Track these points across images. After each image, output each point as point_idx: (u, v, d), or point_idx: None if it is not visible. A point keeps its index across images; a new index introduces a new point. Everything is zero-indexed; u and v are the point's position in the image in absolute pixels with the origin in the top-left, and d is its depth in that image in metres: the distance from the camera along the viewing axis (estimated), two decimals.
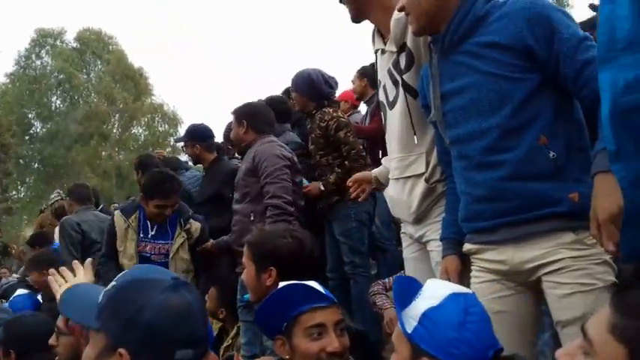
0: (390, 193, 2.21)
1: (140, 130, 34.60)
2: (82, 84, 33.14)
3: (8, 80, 32.33)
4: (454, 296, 1.32)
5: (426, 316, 1.29)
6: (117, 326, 1.15)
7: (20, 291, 4.41)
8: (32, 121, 32.80)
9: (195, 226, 3.72)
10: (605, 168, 1.31)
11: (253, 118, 3.55)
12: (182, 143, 4.59)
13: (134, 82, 33.98)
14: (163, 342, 1.13)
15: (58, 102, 33.42)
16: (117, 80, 33.62)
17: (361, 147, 3.81)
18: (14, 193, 30.76)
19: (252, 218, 3.22)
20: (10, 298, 4.35)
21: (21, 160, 31.16)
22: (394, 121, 2.14)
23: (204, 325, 1.21)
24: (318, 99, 3.86)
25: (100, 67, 34.41)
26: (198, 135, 4.36)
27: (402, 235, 2.30)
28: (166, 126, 34.96)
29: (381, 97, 2.24)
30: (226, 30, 55.29)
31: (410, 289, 1.39)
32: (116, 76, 33.50)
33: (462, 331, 1.26)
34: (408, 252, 2.24)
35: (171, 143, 33.82)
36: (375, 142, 4.21)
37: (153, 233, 3.64)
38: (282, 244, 2.06)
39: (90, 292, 1.30)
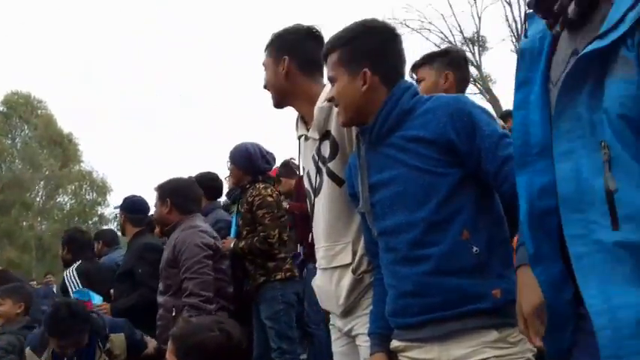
0: (318, 283, 2.14)
1: (66, 199, 33.26)
2: (6, 149, 31.76)
3: None
4: None
5: None
6: None
7: None
8: None
9: (118, 340, 3.19)
10: (527, 261, 1.31)
11: (178, 195, 3.37)
12: (117, 211, 4.47)
13: (62, 147, 32.96)
14: None
15: None
16: (44, 146, 32.52)
17: (277, 234, 3.66)
18: None
19: (174, 314, 3.04)
20: None
21: None
22: (319, 208, 2.10)
23: None
24: (253, 173, 3.82)
25: (26, 131, 33.25)
26: (129, 206, 4.26)
27: (330, 327, 2.21)
28: (94, 194, 33.80)
29: (306, 184, 2.20)
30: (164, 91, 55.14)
31: None
32: (43, 141, 32.42)
33: None
34: (337, 345, 2.15)
35: (98, 212, 32.84)
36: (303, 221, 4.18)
37: None
38: (209, 338, 2.01)
39: None
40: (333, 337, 2.18)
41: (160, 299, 3.20)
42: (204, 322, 2.17)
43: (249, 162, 3.82)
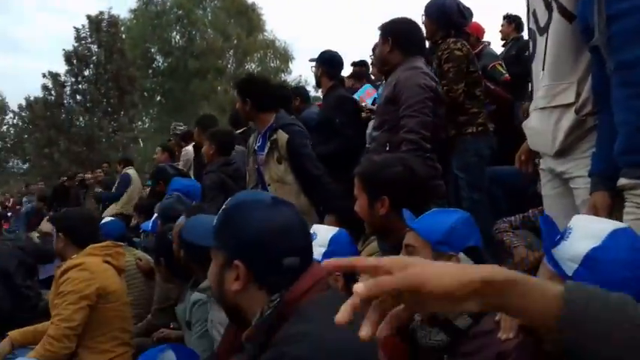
0: (532, 124, 2.08)
1: (253, 66, 35.36)
2: (199, 19, 34.17)
3: (132, 16, 34.06)
4: (616, 233, 1.22)
5: (589, 257, 1.21)
6: (230, 243, 1.31)
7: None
8: (154, 55, 34.55)
9: (282, 137, 3.54)
10: None
11: (400, 36, 3.21)
12: (313, 63, 4.63)
13: (247, 17, 34.52)
14: (270, 252, 1.28)
15: (177, 37, 34.80)
16: (231, 15, 34.33)
17: (461, 87, 3.58)
18: (140, 123, 33.06)
19: (387, 148, 3.06)
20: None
21: (145, 93, 33.20)
22: (543, 48, 1.98)
23: (305, 237, 1.35)
24: (446, 27, 3.70)
25: (215, 2, 35.20)
26: (326, 59, 4.41)
27: (540, 172, 2.17)
28: (278, 62, 35.50)
29: (530, 23, 2.08)
30: None
31: (554, 229, 1.31)
32: (230, 11, 34.18)
33: (635, 270, 1.16)
34: (548, 188, 2.12)
35: (282, 79, 34.60)
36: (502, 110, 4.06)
37: (258, 144, 3.77)
38: (393, 173, 2.07)
39: (207, 219, 1.47)
40: (543, 180, 2.15)
41: (374, 134, 3.29)
42: (387, 158, 2.24)
43: (444, 15, 3.68)
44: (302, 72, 38.89)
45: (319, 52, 4.48)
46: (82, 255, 2.92)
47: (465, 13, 3.77)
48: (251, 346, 1.28)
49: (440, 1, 3.71)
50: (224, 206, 1.37)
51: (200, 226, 1.48)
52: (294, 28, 50.04)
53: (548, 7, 1.95)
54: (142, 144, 29.26)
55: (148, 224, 4.39)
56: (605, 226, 1.26)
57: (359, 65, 6.02)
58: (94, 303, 2.79)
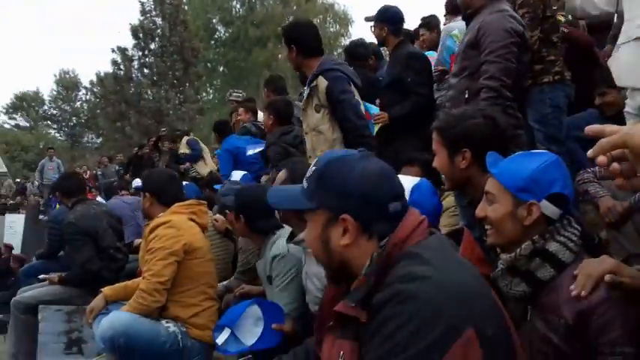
0: (624, 57, 1.96)
1: None
2: None
3: None
4: None
5: None
6: (334, 199, 1.31)
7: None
8: (216, 25, 34.95)
9: (321, 83, 3.36)
10: None
11: None
12: (371, 23, 4.43)
13: None
14: (375, 200, 1.30)
15: (238, 6, 34.98)
16: None
17: (537, 34, 3.36)
18: (204, 94, 33.76)
19: (466, 96, 2.96)
20: None
21: (208, 64, 33.77)
22: None
23: (400, 183, 1.37)
24: None
25: None
26: (388, 17, 4.26)
27: (625, 114, 2.07)
28: (337, 26, 35.11)
29: None
30: None
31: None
32: None
33: None
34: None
35: (342, 44, 34.30)
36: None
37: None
38: (474, 125, 2.02)
39: (286, 187, 1.53)
40: (628, 123, 2.04)
41: (452, 80, 3.19)
42: (466, 111, 2.17)
43: None
44: (362, 34, 38.27)
45: (377, 11, 4.30)
46: (169, 213, 3.06)
47: None
48: (358, 294, 1.26)
49: None
50: (313, 167, 1.37)
51: (287, 193, 1.49)
52: None
53: None
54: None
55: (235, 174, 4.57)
56: None
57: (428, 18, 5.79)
58: (181, 259, 2.92)
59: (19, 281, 9.00)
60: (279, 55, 33.24)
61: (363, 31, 46.41)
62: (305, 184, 1.38)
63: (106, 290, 3.23)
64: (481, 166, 1.92)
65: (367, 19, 4.39)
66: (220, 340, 2.55)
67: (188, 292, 2.97)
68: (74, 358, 4.18)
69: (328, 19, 35.04)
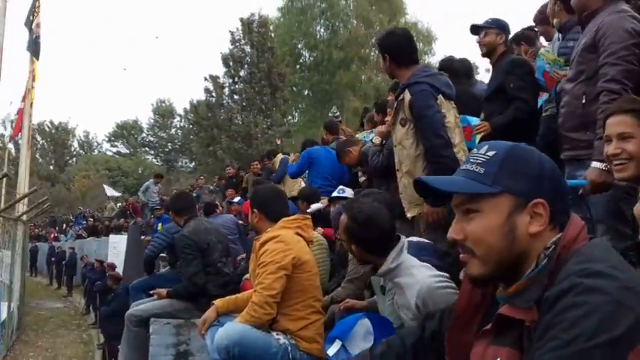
0: None
1: None
2: (341, 9, 34.77)
3: (280, 14, 35.62)
4: None
5: None
6: (527, 183, 1.23)
7: None
8: (301, 50, 35.85)
9: (406, 97, 3.28)
10: None
11: None
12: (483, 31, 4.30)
13: (388, 3, 34.41)
14: (562, 188, 1.27)
15: (322, 31, 35.75)
16: (372, 3, 34.44)
17: None
18: (290, 117, 34.59)
19: (583, 101, 2.84)
20: None
21: (294, 88, 34.62)
22: None
23: None
24: None
25: None
26: (502, 25, 4.20)
27: None
28: (421, 44, 34.94)
29: None
30: None
31: None
32: None
33: None
34: None
35: (426, 61, 34.04)
36: None
37: None
38: None
39: (445, 177, 1.36)
40: None
41: (567, 86, 3.05)
42: None
43: None
44: (446, 52, 37.75)
45: (491, 19, 4.21)
46: (277, 228, 3.12)
47: None
48: (531, 293, 1.17)
49: None
50: (491, 152, 1.27)
51: (451, 181, 1.31)
52: (436, 8, 48.75)
53: None
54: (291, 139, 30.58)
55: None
56: None
57: (529, 29, 5.62)
58: (290, 272, 2.97)
59: (118, 297, 9.59)
60: (363, 77, 33.54)
61: (446, 49, 46.03)
62: (479, 169, 1.25)
63: (218, 302, 3.32)
64: None
65: (478, 26, 4.27)
66: (331, 351, 2.54)
67: (296, 306, 3.00)
68: None
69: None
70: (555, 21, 3.78)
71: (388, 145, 4.12)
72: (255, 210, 3.29)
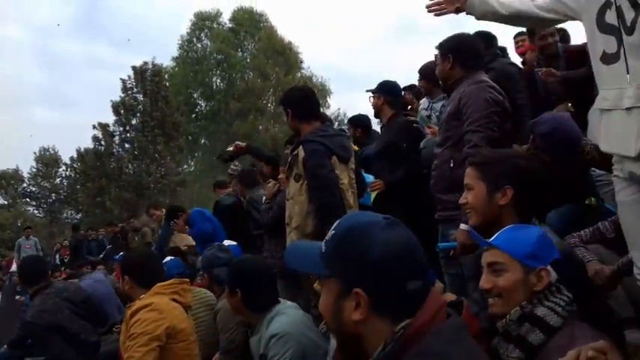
0: (614, 125, 1.98)
1: None
2: (238, 62, 35.18)
3: (175, 64, 35.33)
4: None
5: None
6: (348, 270, 1.20)
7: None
8: (197, 100, 35.61)
9: (300, 154, 3.35)
10: None
11: (460, 52, 3.17)
12: (370, 93, 4.56)
13: (284, 57, 35.34)
14: (394, 276, 1.17)
15: (218, 81, 35.84)
16: (268, 56, 35.21)
17: None
18: (185, 167, 33.90)
19: (451, 165, 3.00)
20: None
21: (189, 137, 34.12)
22: (633, 50, 1.89)
23: (424, 258, 1.24)
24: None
25: (254, 44, 36.22)
26: (387, 89, 4.43)
27: (614, 179, 2.08)
28: None
29: (610, 19, 1.98)
30: None
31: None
32: (268, 52, 35.07)
33: None
34: (624, 195, 2.02)
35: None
36: None
37: None
38: (519, 163, 2.00)
39: (311, 245, 1.37)
40: (617, 187, 2.06)
41: (437, 150, 3.22)
42: (509, 150, 2.16)
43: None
44: (340, 106, 39.21)
45: (378, 83, 4.49)
46: (150, 295, 2.95)
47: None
48: None
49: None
50: (332, 231, 1.26)
51: (307, 254, 1.33)
52: (330, 63, 50.77)
53: (635, 6, 1.86)
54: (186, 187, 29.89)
55: None
56: None
57: (408, 89, 5.99)
58: (164, 343, 2.80)
59: None
60: (260, 127, 33.83)
61: (340, 103, 47.88)
62: (323, 247, 1.27)
63: None
64: (518, 208, 1.94)
65: (368, 91, 4.52)
66: None
67: None
68: None
69: None
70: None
71: (279, 199, 4.17)
72: (125, 277, 3.11)
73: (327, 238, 1.27)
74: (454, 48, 3.20)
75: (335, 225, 1.28)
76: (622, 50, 1.94)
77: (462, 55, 3.17)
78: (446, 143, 3.10)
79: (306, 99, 3.60)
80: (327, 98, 36.02)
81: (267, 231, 4.46)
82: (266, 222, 4.34)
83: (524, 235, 1.72)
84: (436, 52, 3.71)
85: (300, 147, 3.36)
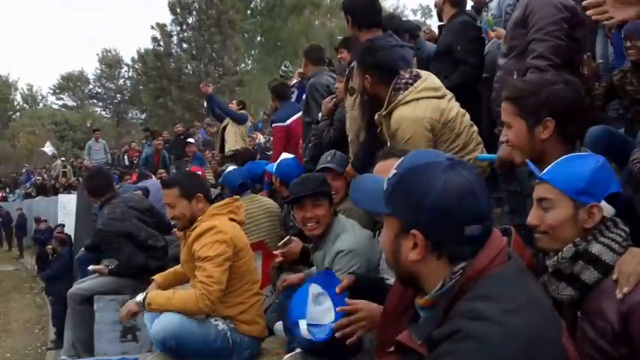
0: None
1: None
2: None
3: None
4: None
5: None
6: (407, 211, 1.21)
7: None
8: None
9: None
10: None
11: None
12: None
13: None
14: (451, 220, 1.17)
15: None
16: None
17: None
18: (243, 65, 33.78)
19: (515, 76, 2.77)
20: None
21: (245, 35, 33.67)
22: None
23: (486, 201, 1.22)
24: None
25: None
26: None
27: None
28: None
29: None
30: None
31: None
32: None
33: None
34: None
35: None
36: None
37: None
38: (557, 91, 1.85)
39: (375, 181, 1.37)
40: None
41: (501, 61, 3.01)
42: (543, 77, 1.96)
43: None
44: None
45: None
46: (209, 216, 3.02)
47: None
48: (426, 316, 1.23)
49: None
50: (394, 170, 1.26)
51: (371, 189, 1.33)
52: None
53: None
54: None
55: (272, 166, 4.44)
56: None
57: None
58: (231, 258, 2.92)
59: (60, 259, 9.36)
60: (316, 22, 32.85)
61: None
62: (385, 185, 1.27)
63: (158, 278, 3.29)
64: (562, 138, 1.84)
65: None
66: (305, 333, 2.43)
67: (235, 292, 2.96)
68: (129, 345, 4.33)
69: None
70: None
71: (338, 114, 4.05)
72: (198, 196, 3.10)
73: (389, 176, 1.27)
74: None
75: (397, 164, 1.28)
76: None
77: None
78: (511, 53, 2.89)
79: (367, 5, 3.43)
80: None
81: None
82: (327, 142, 4.14)
83: (578, 169, 1.60)
84: None
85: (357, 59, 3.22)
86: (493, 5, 4.31)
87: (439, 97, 2.91)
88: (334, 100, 4.12)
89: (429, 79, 2.99)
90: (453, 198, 1.16)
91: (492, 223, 1.24)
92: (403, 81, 2.94)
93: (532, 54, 2.69)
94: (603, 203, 1.57)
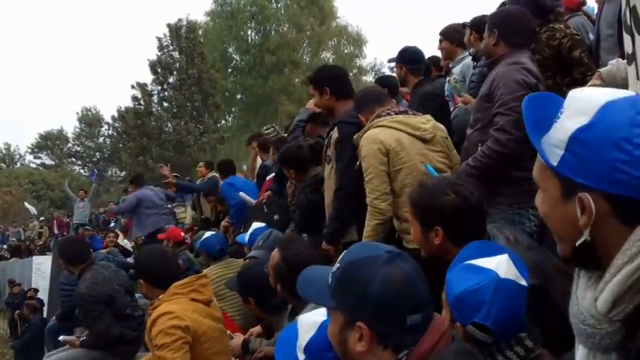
0: None
1: (328, 55, 35.34)
2: (272, 14, 34.55)
3: (209, 18, 34.98)
4: (610, 105, 0.89)
5: (574, 139, 0.90)
6: (351, 304, 1.28)
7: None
8: (232, 55, 35.36)
9: (334, 135, 3.31)
10: None
11: (507, 27, 2.95)
12: (393, 64, 4.42)
13: (318, 6, 34.50)
14: (393, 312, 1.24)
15: (253, 34, 35.39)
16: (303, 7, 34.44)
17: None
18: (224, 122, 34.04)
19: (479, 148, 2.85)
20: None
21: (226, 93, 34.11)
22: None
23: (425, 289, 1.29)
24: (541, 14, 3.36)
25: None
26: (407, 57, 4.18)
27: None
28: (351, 47, 35.26)
29: (628, 20, 1.89)
30: None
31: (549, 110, 0.97)
32: (302, 2, 34.29)
33: (627, 147, 0.85)
34: None
35: (357, 64, 34.42)
36: None
37: None
38: (445, 202, 1.93)
39: (320, 273, 1.44)
40: None
41: (468, 131, 3.06)
42: (438, 184, 2.05)
43: (533, 3, 3.32)
44: (376, 55, 38.45)
45: (398, 52, 4.23)
46: (168, 295, 2.91)
47: None
48: None
49: None
50: (338, 264, 1.33)
51: (316, 282, 1.40)
52: (366, 12, 49.42)
53: None
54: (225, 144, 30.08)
55: (244, 237, 4.34)
56: (598, 98, 0.91)
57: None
58: (191, 343, 2.82)
59: (32, 328, 8.96)
60: (296, 80, 33.47)
61: (376, 52, 46.84)
62: (330, 278, 1.34)
63: None
64: (455, 242, 1.88)
65: (390, 61, 4.35)
66: None
67: None
68: None
69: (343, 41, 35.23)
70: (471, 50, 3.78)
71: (301, 197, 4.03)
72: (140, 281, 3.07)
73: (333, 270, 1.34)
74: (500, 23, 2.98)
75: (340, 257, 1.36)
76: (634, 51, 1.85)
77: (508, 31, 2.94)
78: (475, 125, 2.95)
79: (344, 77, 3.51)
80: (363, 47, 35.25)
81: (301, 231, 4.18)
82: (298, 224, 4.10)
83: (456, 282, 1.59)
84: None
85: (336, 128, 3.28)
86: (456, 71, 4.39)
87: (413, 136, 3.02)
88: (293, 186, 4.20)
89: (414, 118, 3.10)
90: (393, 290, 1.23)
91: (433, 310, 1.31)
92: (387, 111, 3.08)
93: (495, 126, 2.79)
94: (472, 329, 1.52)
